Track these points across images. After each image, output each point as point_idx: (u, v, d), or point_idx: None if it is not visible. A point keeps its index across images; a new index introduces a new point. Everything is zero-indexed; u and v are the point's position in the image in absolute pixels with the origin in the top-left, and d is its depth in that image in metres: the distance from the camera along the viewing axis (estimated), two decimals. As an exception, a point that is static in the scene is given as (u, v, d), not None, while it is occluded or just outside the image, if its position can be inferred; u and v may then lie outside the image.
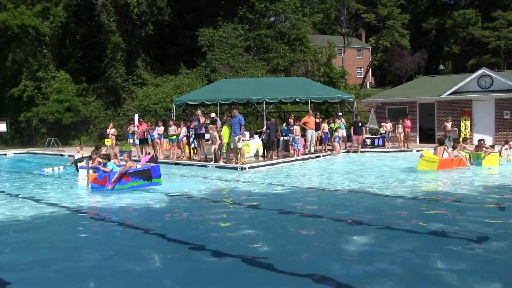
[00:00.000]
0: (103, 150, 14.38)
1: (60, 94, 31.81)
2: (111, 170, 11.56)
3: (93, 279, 5.21)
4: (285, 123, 20.44)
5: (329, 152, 20.57)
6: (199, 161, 17.48)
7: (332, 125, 20.99)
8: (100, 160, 12.31)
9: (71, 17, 34.52)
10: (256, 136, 20.64)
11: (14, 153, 26.29)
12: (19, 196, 11.26)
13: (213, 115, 17.99)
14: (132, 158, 19.68)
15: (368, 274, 5.17)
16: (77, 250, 6.43)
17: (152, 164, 12.34)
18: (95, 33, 36.24)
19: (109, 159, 11.97)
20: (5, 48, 32.46)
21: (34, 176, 15.55)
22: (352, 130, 21.23)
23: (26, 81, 32.36)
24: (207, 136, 17.65)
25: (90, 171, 11.93)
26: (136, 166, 12.01)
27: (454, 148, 14.80)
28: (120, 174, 11.43)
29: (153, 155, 13.71)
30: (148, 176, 11.78)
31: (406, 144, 22.36)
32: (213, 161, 16.66)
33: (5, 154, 25.84)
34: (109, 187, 11.30)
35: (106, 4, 31.55)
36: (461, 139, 19.71)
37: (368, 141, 22.71)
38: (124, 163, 12.13)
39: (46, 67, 33.31)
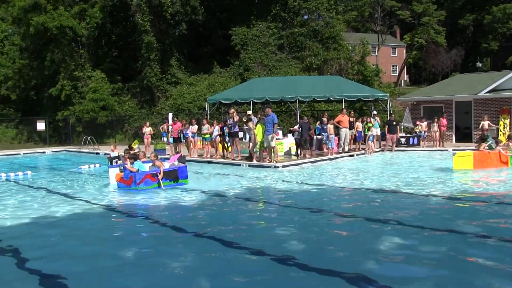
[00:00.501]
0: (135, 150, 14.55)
1: (95, 93, 32.65)
2: (138, 171, 11.54)
3: (128, 274, 5.32)
4: (318, 122, 20.36)
5: (363, 151, 20.38)
6: (233, 159, 17.63)
7: (368, 123, 20.78)
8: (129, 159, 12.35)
9: (107, 17, 35.26)
10: (290, 135, 20.63)
11: (52, 151, 27.17)
12: (58, 192, 11.64)
13: (249, 112, 18.03)
14: (166, 156, 20.24)
15: (403, 275, 5.10)
16: (112, 246, 6.60)
17: (180, 165, 12.32)
18: (130, 33, 36.93)
19: (136, 159, 11.95)
20: (44, 49, 33.47)
21: (71, 173, 16.04)
22: (386, 129, 20.97)
23: (63, 80, 33.24)
24: (240, 134, 17.79)
25: (117, 170, 12.07)
26: (164, 166, 11.93)
27: (497, 143, 14.29)
28: (146, 175, 11.43)
29: (181, 154, 13.74)
30: (174, 176, 11.84)
31: (442, 143, 21.92)
32: (249, 160, 16.77)
33: (44, 152, 26.74)
34: (163, 188, 11.37)
35: (141, 4, 32.12)
36: (504, 137, 19.11)
37: (403, 140, 22.40)
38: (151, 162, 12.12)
39: (83, 67, 34.23)
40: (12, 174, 15.41)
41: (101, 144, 28.45)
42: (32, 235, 7.33)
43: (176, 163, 12.41)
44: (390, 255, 5.80)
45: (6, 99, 38.10)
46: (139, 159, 12.04)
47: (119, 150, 15.42)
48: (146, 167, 11.95)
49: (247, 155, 17.88)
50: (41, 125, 31.31)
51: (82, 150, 26.03)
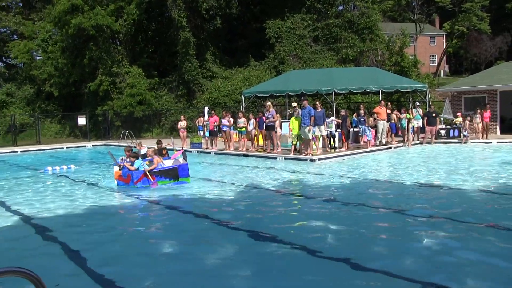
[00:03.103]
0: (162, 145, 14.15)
1: (133, 89, 33.27)
2: (137, 169, 11.27)
3: (165, 267, 5.40)
4: (355, 114, 20.05)
5: (401, 144, 19.96)
6: (269, 152, 17.60)
7: (407, 115, 20.32)
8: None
9: (143, 14, 35.74)
10: (322, 128, 20.39)
11: (92, 145, 27.96)
12: (97, 185, 12.05)
13: (294, 104, 17.81)
14: (201, 150, 20.43)
15: (444, 272, 4.94)
16: (151, 238, 6.74)
17: (181, 162, 11.85)
18: (165, 28, 37.34)
19: (137, 157, 11.66)
20: (83, 47, 34.38)
21: (109, 167, 16.39)
22: (425, 121, 20.45)
23: (102, 76, 34.07)
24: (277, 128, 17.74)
25: (117, 168, 11.88)
26: (163, 163, 11.64)
27: None
28: (144, 174, 11.17)
29: (184, 151, 12.91)
30: (174, 175, 11.42)
31: (486, 135, 21.19)
32: (292, 153, 16.74)
33: (85, 146, 27.57)
34: (154, 187, 11.08)
35: (177, 0, 32.42)
36: None
37: (443, 132, 21.78)
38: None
39: (120, 63, 34.92)
40: (57, 168, 15.91)
41: (138, 138, 28.98)
42: (77, 226, 7.57)
43: (181, 159, 12.04)
44: (429, 251, 5.61)
45: (50, 96, 39.51)
46: (147, 156, 11.77)
47: (144, 147, 15.47)
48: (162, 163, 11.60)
49: (283, 148, 17.86)
50: (82, 120, 32.26)
51: (120, 144, 26.62)
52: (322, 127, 16.93)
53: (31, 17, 46.32)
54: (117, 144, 27.02)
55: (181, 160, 12.00)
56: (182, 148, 12.95)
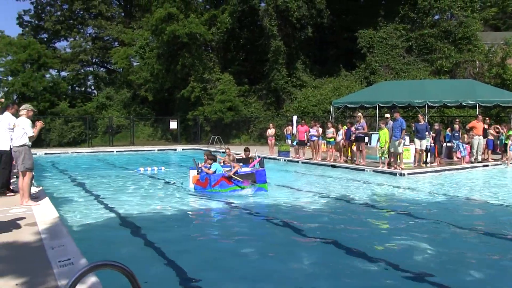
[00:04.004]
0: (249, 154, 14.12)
1: (223, 95, 34.53)
2: (214, 172, 11.41)
3: (244, 274, 5.61)
4: (449, 129, 19.39)
5: (499, 162, 18.95)
6: (357, 164, 17.59)
7: (507, 131, 19.24)
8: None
9: (236, 22, 36.95)
10: (417, 141, 19.92)
11: (182, 149, 29.51)
12: (182, 187, 12.70)
13: (387, 115, 17.49)
14: (289, 158, 20.79)
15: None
16: (233, 243, 7.00)
17: (258, 168, 11.97)
18: (257, 37, 38.30)
19: (214, 160, 11.78)
20: (177, 54, 36.31)
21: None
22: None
23: (194, 83, 35.73)
24: (366, 139, 17.68)
25: (194, 172, 12.07)
26: (241, 169, 11.74)
27: None
28: (222, 177, 11.27)
29: (262, 158, 13.04)
30: (251, 180, 11.45)
31: None
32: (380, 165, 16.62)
33: (175, 150, 29.18)
34: (247, 184, 11.23)
35: (269, 9, 33.26)
36: None
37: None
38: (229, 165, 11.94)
39: (212, 70, 36.42)
40: (148, 169, 17.14)
41: (227, 144, 30.05)
42: (164, 225, 8.25)
43: (257, 166, 12.21)
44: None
45: (144, 100, 42.16)
46: (225, 163, 12.02)
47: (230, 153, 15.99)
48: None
49: (371, 160, 17.73)
50: (173, 124, 34.15)
51: (209, 148, 27.72)
52: (424, 141, 16.69)
53: (131, 25, 49.78)
54: (205, 148, 28.19)
55: (257, 167, 12.20)
56: (260, 157, 13.20)
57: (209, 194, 11.27)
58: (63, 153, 25.92)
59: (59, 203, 9.79)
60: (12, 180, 10.73)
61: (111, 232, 7.71)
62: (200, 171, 11.90)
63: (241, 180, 11.39)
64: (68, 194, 11.31)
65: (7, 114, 9.52)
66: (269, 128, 23.77)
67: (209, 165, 11.65)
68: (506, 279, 5.49)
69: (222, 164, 12.21)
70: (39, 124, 9.03)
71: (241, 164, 12.31)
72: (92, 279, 4.36)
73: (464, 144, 17.92)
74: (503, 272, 5.77)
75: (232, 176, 11.39)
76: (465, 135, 17.76)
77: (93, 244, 6.78)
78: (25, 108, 8.90)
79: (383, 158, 16.43)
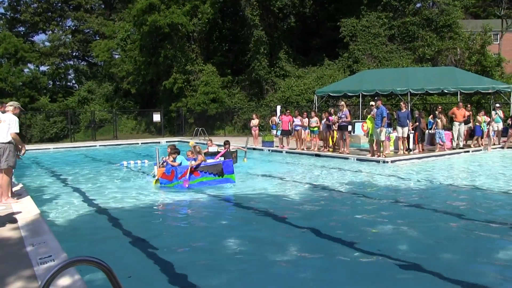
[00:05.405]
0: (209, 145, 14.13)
1: (206, 86, 34.33)
2: (180, 164, 11.21)
3: (231, 267, 5.58)
4: (431, 116, 19.56)
5: (480, 148, 19.21)
6: (341, 152, 17.67)
7: (484, 117, 19.50)
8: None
9: (218, 13, 36.67)
10: (399, 128, 20.09)
11: (166, 141, 29.21)
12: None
13: (372, 103, 17.58)
14: (274, 148, 20.81)
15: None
16: (218, 236, 6.95)
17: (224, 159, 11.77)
18: (239, 27, 38.07)
19: (178, 153, 11.61)
20: (158, 46, 35.96)
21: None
22: (510, 123, 19.51)
23: (176, 74, 35.41)
24: (349, 127, 17.76)
25: (156, 167, 11.91)
26: (206, 161, 11.56)
27: None
28: (188, 169, 11.07)
29: (227, 149, 12.94)
30: (219, 171, 11.31)
31: None
32: (370, 154, 16.72)
33: (159, 142, 28.91)
34: (186, 185, 10.98)
35: (250, -1, 33.01)
36: None
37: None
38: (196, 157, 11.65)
39: (194, 61, 36.11)
40: (131, 162, 16.99)
41: (211, 136, 29.92)
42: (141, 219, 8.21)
43: (222, 158, 12.07)
44: (506, 261, 5.57)
45: (127, 93, 41.78)
46: (188, 157, 11.87)
47: (214, 145, 15.78)
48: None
49: (355, 148, 17.83)
50: (156, 117, 33.87)
51: (193, 140, 27.59)
52: (405, 129, 16.85)
53: (112, 17, 49.17)
54: (190, 140, 28.04)
55: (222, 159, 12.03)
56: (226, 147, 13.03)
57: (182, 187, 11.03)
58: (45, 149, 25.54)
59: (41, 199, 9.67)
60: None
61: (93, 227, 7.65)
62: (165, 164, 11.72)
63: (196, 176, 11.18)
64: (50, 191, 11.17)
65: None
66: (253, 119, 23.73)
67: (173, 158, 11.46)
68: (480, 259, 5.59)
69: (187, 157, 11.98)
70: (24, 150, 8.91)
71: (206, 157, 12.11)
72: (73, 275, 4.31)
73: (444, 131, 18.08)
74: (478, 252, 5.87)
75: (198, 166, 11.18)
76: (438, 120, 17.82)
77: (75, 240, 6.72)
78: (12, 105, 8.82)
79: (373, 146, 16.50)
